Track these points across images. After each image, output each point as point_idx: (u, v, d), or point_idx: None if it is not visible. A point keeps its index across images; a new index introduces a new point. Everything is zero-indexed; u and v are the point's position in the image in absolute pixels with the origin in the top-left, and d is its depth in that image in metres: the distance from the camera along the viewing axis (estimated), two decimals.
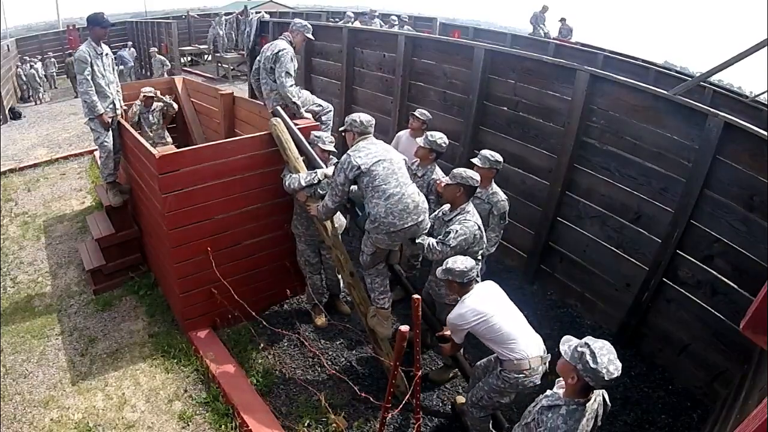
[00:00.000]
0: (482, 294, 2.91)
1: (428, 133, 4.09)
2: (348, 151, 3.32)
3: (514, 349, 2.71)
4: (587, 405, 2.10)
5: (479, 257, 3.42)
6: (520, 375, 2.72)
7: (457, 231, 3.19)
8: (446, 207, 3.45)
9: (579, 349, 2.04)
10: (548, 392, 2.27)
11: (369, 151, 3.25)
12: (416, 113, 4.75)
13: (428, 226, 3.38)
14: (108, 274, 4.91)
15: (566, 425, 2.06)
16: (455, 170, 3.32)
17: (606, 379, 1.96)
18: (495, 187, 3.81)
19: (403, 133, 4.91)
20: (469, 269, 2.88)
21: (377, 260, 3.46)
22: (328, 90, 7.04)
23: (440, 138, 3.95)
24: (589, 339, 2.06)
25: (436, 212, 3.58)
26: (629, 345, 4.09)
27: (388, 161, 3.24)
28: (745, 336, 1.76)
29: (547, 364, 2.77)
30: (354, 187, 3.45)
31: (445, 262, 2.96)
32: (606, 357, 1.97)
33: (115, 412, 3.54)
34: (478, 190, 3.78)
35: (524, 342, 2.73)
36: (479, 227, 3.26)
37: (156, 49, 14.22)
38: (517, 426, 2.40)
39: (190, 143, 6.09)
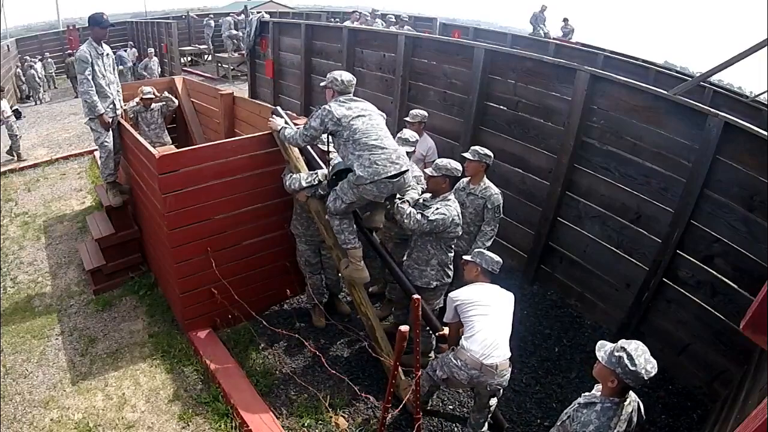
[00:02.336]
0: (482, 290, 3.05)
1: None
2: (329, 103, 3.37)
3: (468, 339, 2.90)
4: (622, 405, 2.15)
5: (453, 245, 3.48)
6: (456, 361, 2.92)
7: (438, 209, 3.29)
8: (428, 194, 3.51)
9: (616, 353, 2.09)
10: (586, 393, 2.33)
11: (349, 106, 3.32)
12: (409, 118, 4.75)
13: (411, 181, 3.44)
14: (108, 274, 4.91)
15: (599, 421, 2.13)
16: (439, 162, 3.40)
17: (645, 378, 2.04)
18: (487, 182, 3.87)
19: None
20: (498, 262, 3.16)
21: (350, 209, 3.45)
22: None
23: (412, 136, 4.10)
24: (623, 342, 2.13)
25: (417, 199, 3.58)
26: None
27: (367, 116, 3.30)
28: (745, 336, 1.76)
29: (490, 373, 2.86)
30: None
31: (480, 252, 3.19)
32: (642, 357, 2.05)
33: (115, 412, 3.54)
34: (471, 185, 3.89)
35: (480, 342, 2.86)
36: (458, 214, 3.36)
37: (153, 51, 14.10)
38: (553, 428, 2.44)
39: (190, 143, 6.09)
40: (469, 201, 3.87)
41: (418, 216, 3.29)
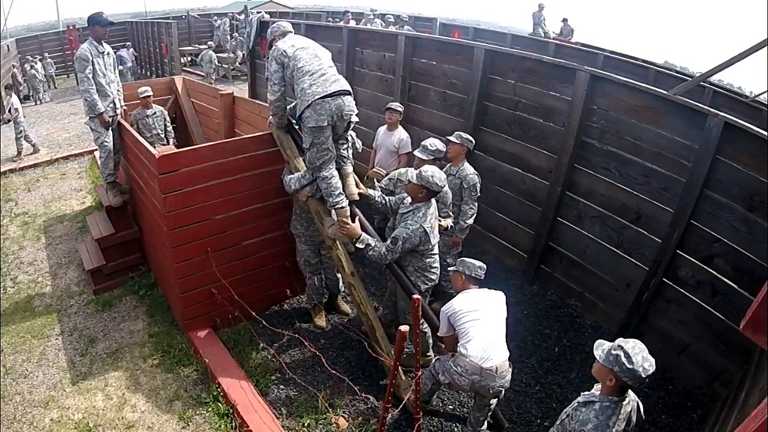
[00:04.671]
0: (471, 297, 3.10)
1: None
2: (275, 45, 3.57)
3: (465, 346, 2.93)
4: (621, 405, 2.16)
5: (430, 251, 3.48)
6: (456, 368, 2.96)
7: (403, 237, 3.29)
8: (408, 199, 3.49)
9: (613, 352, 2.10)
10: (585, 392, 2.34)
11: (293, 42, 3.53)
12: (393, 106, 4.93)
13: (354, 110, 3.47)
14: (108, 274, 4.92)
15: (597, 419, 2.13)
16: (423, 171, 3.33)
17: (643, 376, 2.04)
18: (466, 164, 4.09)
19: (381, 129, 5.11)
20: (481, 267, 3.19)
21: (322, 156, 3.42)
22: None
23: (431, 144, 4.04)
24: (620, 341, 2.14)
25: (399, 196, 3.64)
26: None
27: (311, 48, 3.51)
28: (745, 336, 1.76)
29: (491, 377, 2.89)
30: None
31: (462, 261, 3.24)
32: (640, 355, 2.06)
33: (115, 412, 3.54)
34: (451, 167, 4.08)
35: (477, 347, 2.90)
36: (425, 230, 3.30)
37: (212, 44, 14.13)
38: (553, 428, 2.45)
39: (190, 143, 6.09)
40: (449, 182, 3.97)
41: (390, 255, 3.33)
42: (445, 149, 3.91)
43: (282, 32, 3.68)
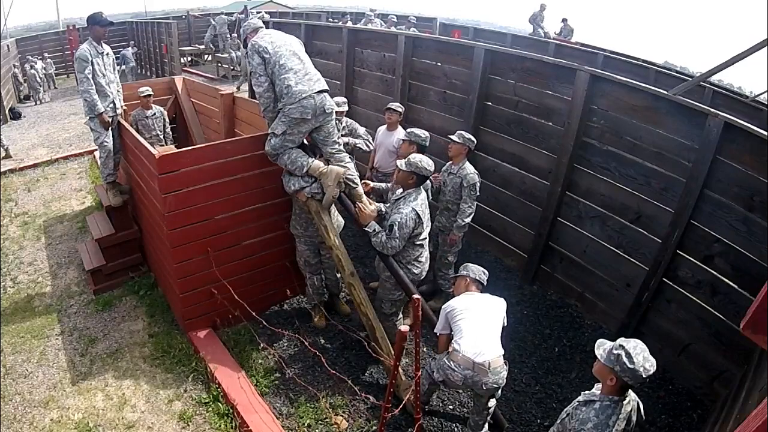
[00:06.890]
0: (471, 298, 3.16)
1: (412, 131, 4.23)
2: (251, 41, 3.60)
3: (458, 342, 2.98)
4: (621, 404, 2.17)
5: (420, 242, 3.54)
6: (450, 363, 2.98)
7: (398, 222, 3.37)
8: (399, 189, 3.59)
9: (614, 351, 2.11)
10: (586, 392, 2.35)
11: (270, 36, 3.60)
12: (392, 106, 4.96)
13: (332, 107, 3.59)
14: (108, 274, 4.91)
15: (597, 418, 2.14)
16: (411, 158, 3.47)
17: (644, 376, 2.05)
18: (466, 163, 4.14)
19: (381, 129, 5.13)
20: (484, 272, 3.31)
21: (287, 143, 3.55)
22: None
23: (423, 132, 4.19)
24: (622, 340, 2.15)
25: (387, 192, 3.80)
26: None
27: (288, 44, 3.60)
28: (745, 336, 1.76)
29: (483, 371, 2.90)
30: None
31: (467, 266, 3.35)
32: (641, 355, 2.07)
33: (115, 412, 3.54)
34: (452, 166, 4.15)
35: (469, 342, 2.94)
36: (417, 213, 3.39)
37: (236, 37, 13.81)
38: (553, 427, 2.46)
39: (190, 143, 6.09)
40: (449, 180, 4.13)
41: (390, 243, 3.40)
42: (424, 136, 4.06)
43: (253, 29, 3.73)
